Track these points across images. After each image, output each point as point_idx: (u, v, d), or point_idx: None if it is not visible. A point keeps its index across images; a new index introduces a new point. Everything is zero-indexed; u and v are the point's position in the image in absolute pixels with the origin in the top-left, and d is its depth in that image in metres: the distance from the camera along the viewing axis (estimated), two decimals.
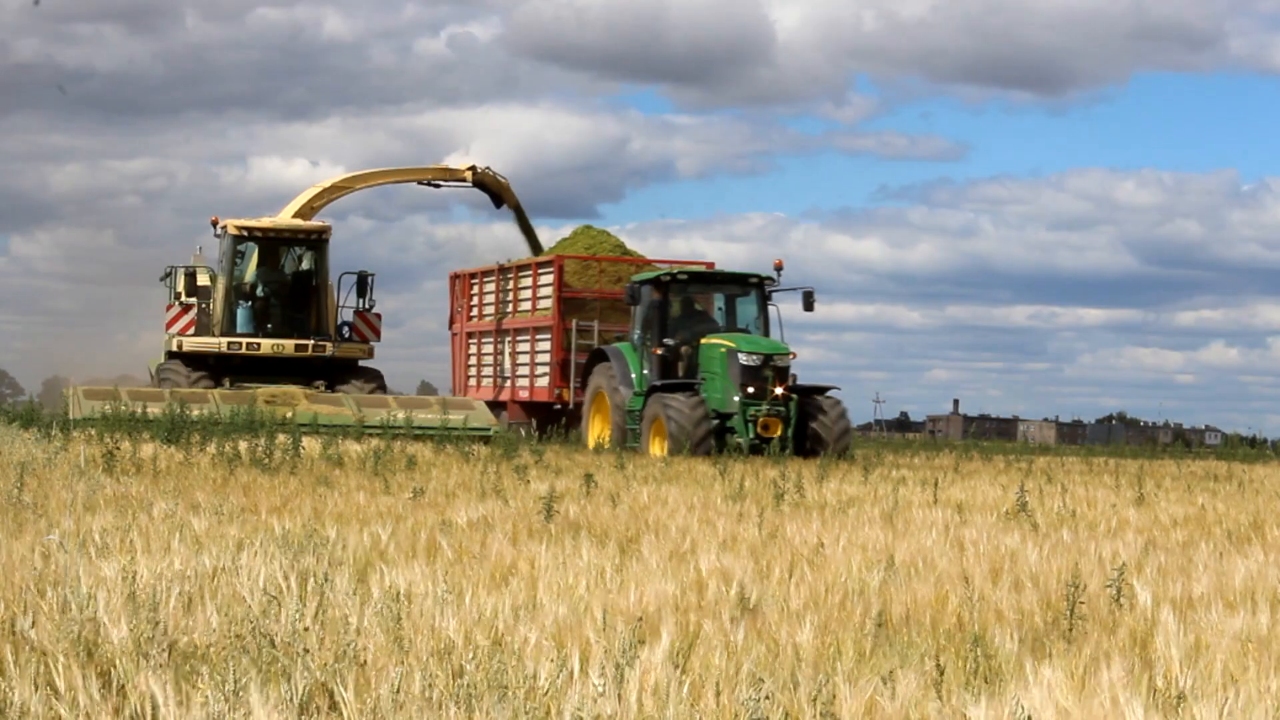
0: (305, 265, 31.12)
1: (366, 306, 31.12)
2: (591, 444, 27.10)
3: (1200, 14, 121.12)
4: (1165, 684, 5.50)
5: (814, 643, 6.11)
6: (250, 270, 30.91)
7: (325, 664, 5.32)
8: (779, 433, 24.40)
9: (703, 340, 26.01)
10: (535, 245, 36.34)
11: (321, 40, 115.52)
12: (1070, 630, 6.55)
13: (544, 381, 32.19)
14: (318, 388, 29.27)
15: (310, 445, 18.24)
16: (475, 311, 35.76)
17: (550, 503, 11.09)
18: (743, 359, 24.84)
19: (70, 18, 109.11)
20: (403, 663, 5.37)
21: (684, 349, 26.25)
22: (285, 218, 32.42)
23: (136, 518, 9.87)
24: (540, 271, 32.71)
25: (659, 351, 26.11)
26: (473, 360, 35.64)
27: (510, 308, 33.80)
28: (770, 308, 26.82)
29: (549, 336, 31.92)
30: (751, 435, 24.45)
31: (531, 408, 32.95)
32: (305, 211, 33.15)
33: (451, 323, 36.95)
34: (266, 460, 16.21)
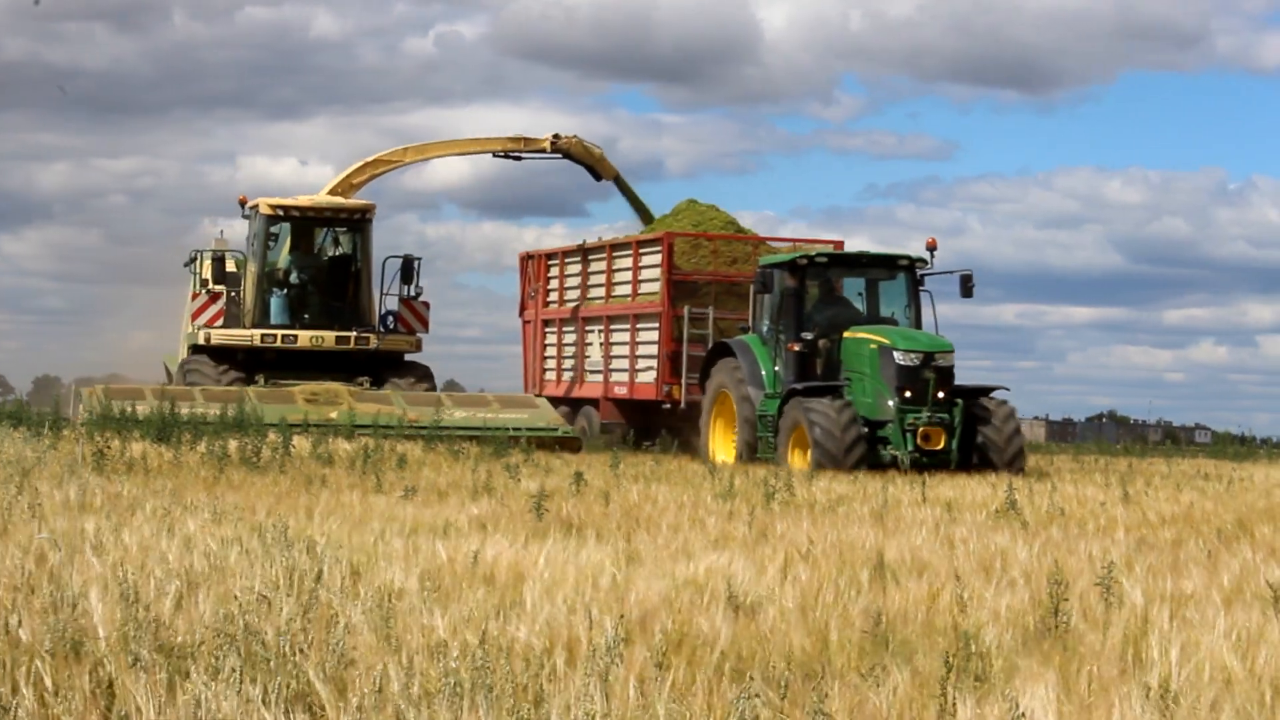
0: (344, 248, 28.11)
1: (413, 294, 28.01)
2: (716, 453, 23.63)
3: (1187, 13, 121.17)
4: (1158, 682, 5.49)
5: (806, 641, 6.10)
6: (284, 255, 27.89)
7: (317, 662, 5.31)
8: (942, 444, 20.89)
9: (846, 334, 22.25)
10: (646, 216, 31.84)
11: (309, 39, 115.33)
12: (1067, 630, 6.55)
13: (647, 376, 27.82)
14: (361, 384, 26.20)
15: (300, 444, 18.19)
16: (555, 296, 31.32)
17: (540, 501, 11.09)
18: (899, 358, 21.23)
19: (58, 16, 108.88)
20: (392, 661, 5.35)
21: (823, 343, 22.55)
22: (322, 195, 29.02)
23: (128, 517, 9.84)
24: (642, 251, 28.29)
25: (796, 347, 22.32)
26: (550, 351, 31.33)
27: (602, 292, 29.52)
28: (922, 294, 22.96)
29: (655, 325, 27.47)
30: (910, 448, 20.79)
31: (631, 407, 28.63)
32: (344, 188, 29.66)
33: (522, 310, 32.59)
34: (255, 459, 16.18)
